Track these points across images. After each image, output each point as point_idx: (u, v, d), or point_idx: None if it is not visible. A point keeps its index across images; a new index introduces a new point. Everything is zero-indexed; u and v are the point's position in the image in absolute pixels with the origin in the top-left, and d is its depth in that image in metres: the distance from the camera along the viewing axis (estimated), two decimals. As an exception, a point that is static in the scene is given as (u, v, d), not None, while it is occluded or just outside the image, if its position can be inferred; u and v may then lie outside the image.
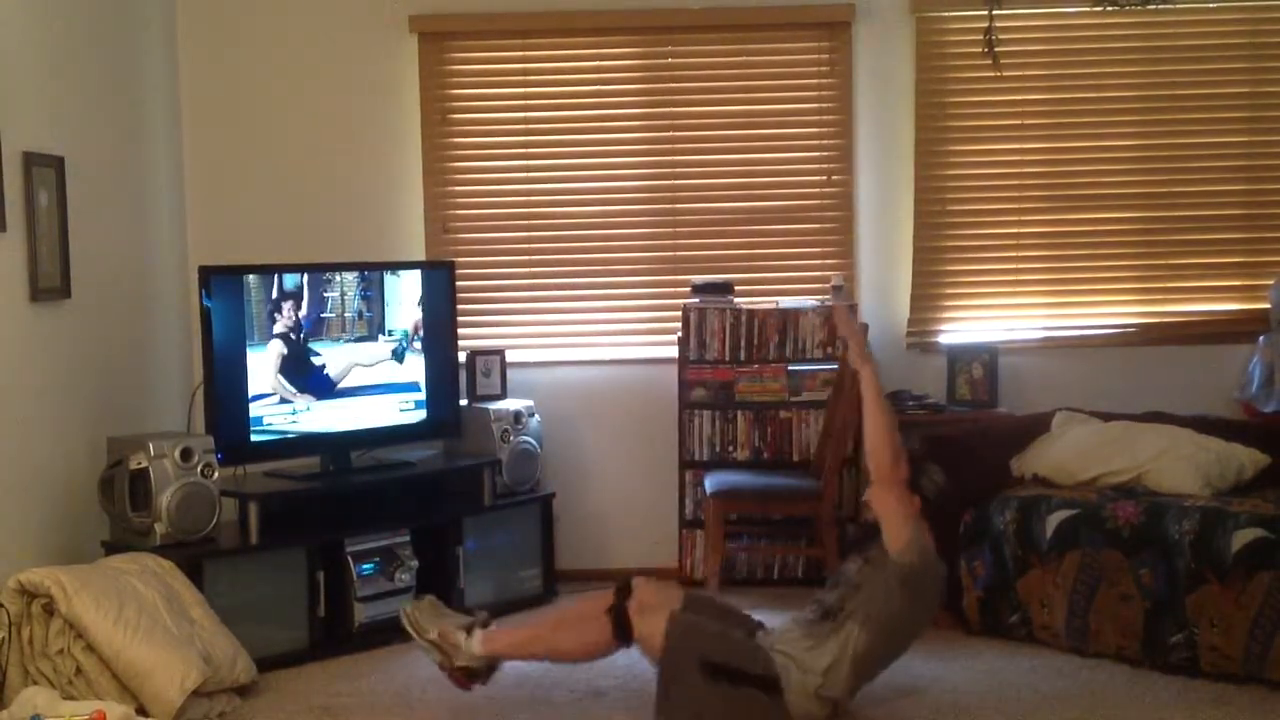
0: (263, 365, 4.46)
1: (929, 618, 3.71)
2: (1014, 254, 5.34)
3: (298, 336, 4.56)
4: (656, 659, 3.53)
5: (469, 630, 3.73)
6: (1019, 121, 5.29)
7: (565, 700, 3.88)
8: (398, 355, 4.81)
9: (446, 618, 3.79)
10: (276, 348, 4.50)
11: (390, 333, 4.79)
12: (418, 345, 4.85)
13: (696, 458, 5.09)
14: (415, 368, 4.86)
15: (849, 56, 5.25)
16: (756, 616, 3.79)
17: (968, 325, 5.36)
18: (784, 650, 3.50)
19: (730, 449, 5.08)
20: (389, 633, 4.46)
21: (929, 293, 5.33)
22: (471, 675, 3.75)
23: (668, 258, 5.35)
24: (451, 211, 5.33)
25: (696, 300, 5.13)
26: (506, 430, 4.93)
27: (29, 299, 3.93)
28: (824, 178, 5.32)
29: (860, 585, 3.55)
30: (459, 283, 5.02)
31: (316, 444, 4.65)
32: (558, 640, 3.75)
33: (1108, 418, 4.73)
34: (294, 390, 4.55)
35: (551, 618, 3.91)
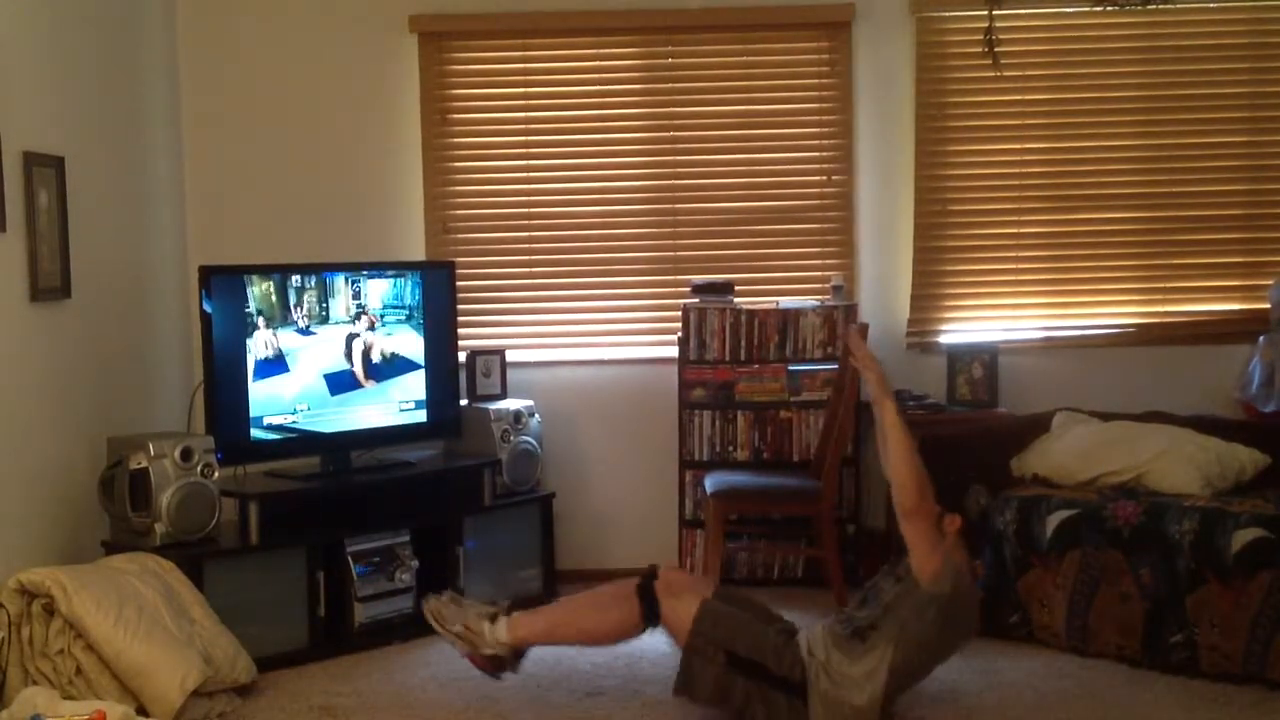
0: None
1: (965, 640, 3.67)
2: (1014, 254, 5.34)
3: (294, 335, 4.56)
4: (682, 643, 3.55)
5: (493, 619, 3.75)
6: (1019, 121, 5.29)
7: (565, 700, 3.88)
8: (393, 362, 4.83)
9: (469, 608, 3.81)
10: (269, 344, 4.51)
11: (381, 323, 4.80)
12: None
13: (696, 458, 5.09)
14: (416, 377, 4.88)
15: (849, 56, 5.25)
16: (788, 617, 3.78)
17: (968, 325, 5.36)
18: (816, 656, 3.49)
19: (730, 449, 5.08)
20: (389, 633, 4.48)
21: (929, 293, 5.33)
22: (499, 663, 3.77)
23: (667, 258, 5.35)
24: (451, 211, 5.33)
25: (696, 300, 5.13)
26: (506, 430, 4.93)
27: (29, 299, 3.93)
28: (824, 178, 5.32)
29: (892, 606, 3.51)
30: (459, 283, 5.03)
31: (316, 444, 4.65)
32: (584, 623, 3.76)
33: (1108, 418, 4.73)
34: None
35: (577, 601, 3.89)
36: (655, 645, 4.32)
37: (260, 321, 4.45)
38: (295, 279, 4.54)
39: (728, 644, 3.49)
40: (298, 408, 4.57)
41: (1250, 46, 5.25)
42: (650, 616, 3.61)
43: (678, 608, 3.57)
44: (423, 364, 4.88)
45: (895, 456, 3.59)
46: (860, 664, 3.45)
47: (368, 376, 4.74)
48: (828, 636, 3.56)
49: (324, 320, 4.63)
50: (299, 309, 4.56)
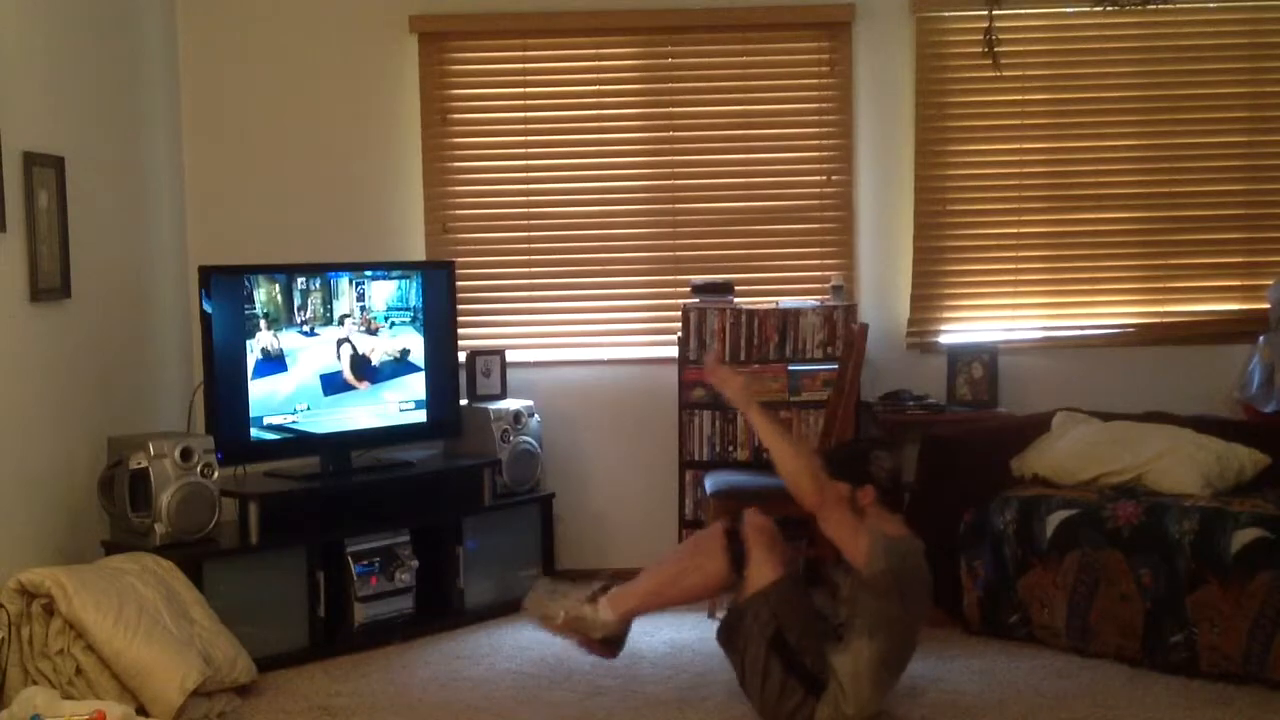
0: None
1: (927, 601, 3.68)
2: (1014, 254, 5.34)
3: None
4: (743, 600, 3.55)
5: (593, 600, 3.72)
6: (1019, 121, 5.29)
7: (565, 700, 3.88)
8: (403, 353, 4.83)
9: (566, 597, 3.78)
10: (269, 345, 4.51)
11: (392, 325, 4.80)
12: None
13: (696, 458, 5.08)
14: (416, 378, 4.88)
15: (849, 56, 5.25)
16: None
17: (968, 325, 5.36)
18: (833, 661, 3.49)
19: (730, 449, 5.08)
20: (389, 633, 4.49)
21: (929, 293, 5.33)
22: (611, 644, 3.75)
23: (667, 258, 5.35)
24: (451, 211, 5.33)
25: (696, 300, 5.13)
26: (506, 430, 4.93)
27: (29, 299, 3.93)
28: (824, 178, 5.32)
29: (852, 599, 3.52)
30: (459, 283, 5.03)
31: (316, 444, 4.65)
32: (680, 583, 3.73)
33: (1108, 418, 4.73)
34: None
35: (666, 563, 3.86)
36: (655, 645, 4.33)
37: (263, 323, 4.45)
38: (301, 281, 4.55)
39: (782, 624, 3.48)
40: (297, 408, 4.57)
41: (1249, 47, 5.25)
42: (738, 562, 3.59)
43: (760, 563, 3.56)
44: (422, 366, 4.87)
45: (778, 461, 3.59)
46: (844, 664, 3.45)
47: (360, 378, 4.73)
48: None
49: (329, 322, 4.63)
50: (303, 310, 4.56)
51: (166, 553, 4.01)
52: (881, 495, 3.63)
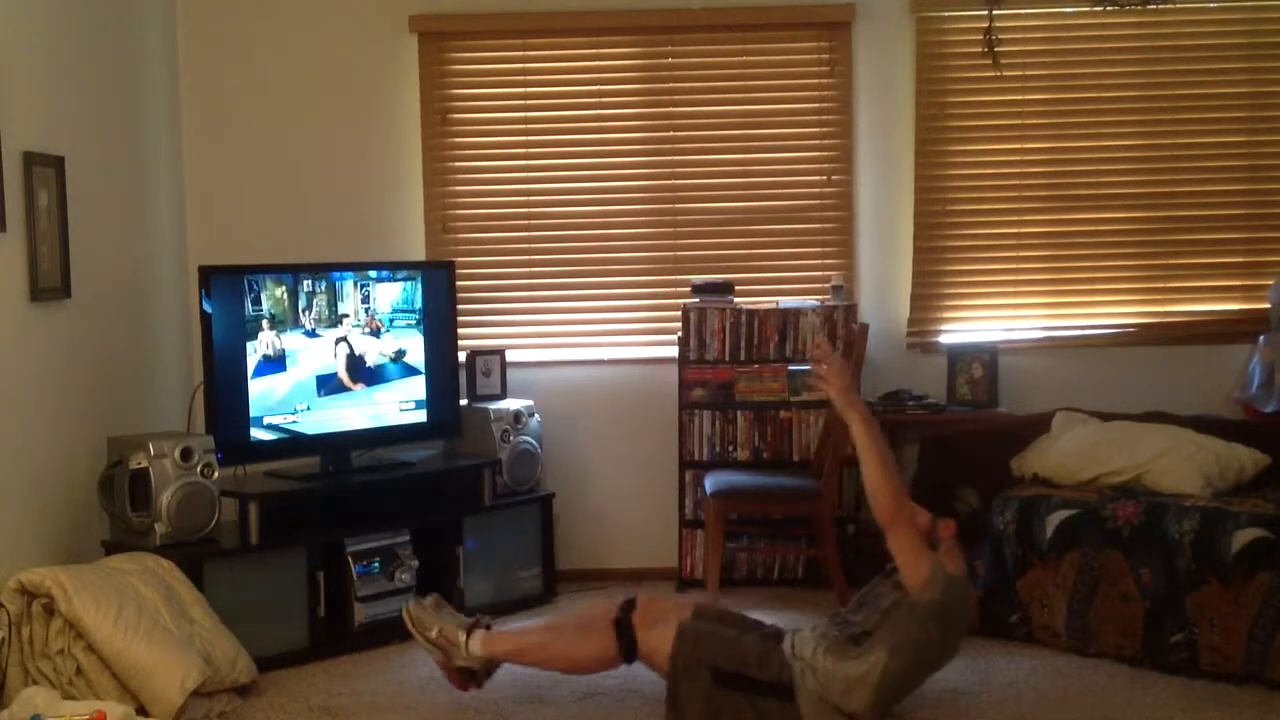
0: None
1: (959, 643, 3.61)
2: (1014, 254, 5.34)
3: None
4: (665, 670, 3.48)
5: (469, 631, 3.72)
6: (1019, 121, 5.29)
7: (565, 700, 3.88)
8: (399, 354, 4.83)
9: (448, 617, 3.79)
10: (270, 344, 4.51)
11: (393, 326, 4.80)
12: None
13: (696, 458, 5.09)
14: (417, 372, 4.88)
15: (849, 56, 5.25)
16: (770, 621, 3.73)
17: (968, 325, 5.36)
18: (803, 657, 3.43)
19: (730, 449, 5.08)
20: (389, 633, 4.47)
21: (929, 293, 5.33)
22: (469, 676, 3.73)
23: (667, 258, 5.35)
24: (451, 211, 5.33)
25: (696, 300, 5.13)
26: (506, 430, 4.93)
27: (29, 299, 3.93)
28: (824, 178, 5.32)
29: (890, 613, 3.46)
30: (459, 283, 5.03)
31: (316, 444, 4.65)
32: (560, 648, 3.70)
33: (1108, 418, 4.73)
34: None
35: (554, 625, 3.86)
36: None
37: (265, 323, 4.45)
38: (307, 282, 4.55)
39: (711, 660, 3.42)
40: (297, 408, 4.57)
41: (1249, 46, 5.25)
42: (628, 653, 3.56)
43: (654, 638, 3.51)
44: (421, 367, 4.87)
45: (866, 468, 3.53)
46: (851, 667, 3.39)
47: (356, 379, 4.72)
48: (818, 639, 3.49)
49: (334, 324, 4.63)
50: (309, 311, 4.56)
51: (166, 553, 4.02)
52: (959, 531, 3.60)
